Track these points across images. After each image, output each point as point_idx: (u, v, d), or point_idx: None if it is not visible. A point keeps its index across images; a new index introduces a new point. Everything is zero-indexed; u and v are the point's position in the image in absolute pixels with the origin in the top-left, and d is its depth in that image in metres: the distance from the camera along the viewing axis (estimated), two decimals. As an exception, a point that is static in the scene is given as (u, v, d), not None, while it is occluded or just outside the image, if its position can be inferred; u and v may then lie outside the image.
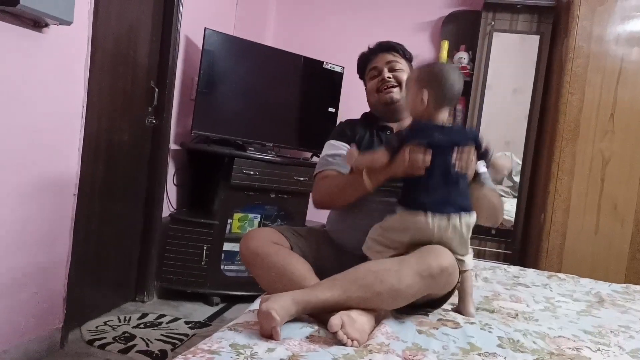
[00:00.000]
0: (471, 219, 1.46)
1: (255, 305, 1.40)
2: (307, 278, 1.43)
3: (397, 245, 1.45)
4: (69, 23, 1.88)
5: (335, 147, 1.78)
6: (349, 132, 1.78)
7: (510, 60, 3.30)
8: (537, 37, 3.22)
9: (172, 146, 3.01)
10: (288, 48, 3.45)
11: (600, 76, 2.84)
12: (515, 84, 3.30)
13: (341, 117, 3.53)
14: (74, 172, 2.20)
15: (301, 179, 3.18)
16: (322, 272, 1.54)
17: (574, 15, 2.85)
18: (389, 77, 1.76)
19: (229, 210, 3.06)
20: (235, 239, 3.04)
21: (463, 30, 3.49)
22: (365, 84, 1.88)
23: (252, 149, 3.05)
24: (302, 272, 1.44)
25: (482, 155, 1.51)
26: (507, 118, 3.31)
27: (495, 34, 3.26)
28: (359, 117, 1.92)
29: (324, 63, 3.46)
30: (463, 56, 3.37)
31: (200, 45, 2.98)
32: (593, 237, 2.89)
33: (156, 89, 2.82)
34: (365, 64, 1.84)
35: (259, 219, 3.26)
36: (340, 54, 3.66)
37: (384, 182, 1.52)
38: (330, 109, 3.50)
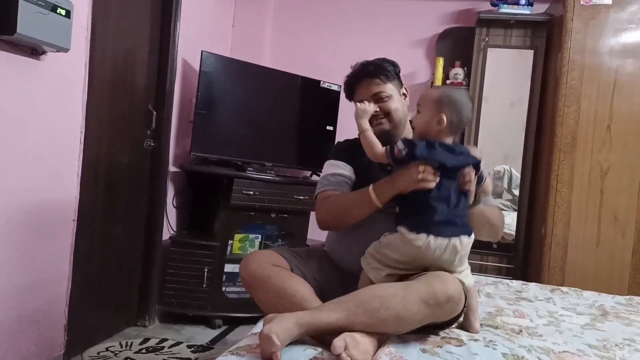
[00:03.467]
0: (471, 240, 1.46)
1: (259, 327, 1.39)
2: (309, 300, 1.42)
3: (394, 264, 1.45)
4: (66, 50, 1.90)
5: (335, 166, 1.76)
6: (348, 151, 1.78)
7: (506, 75, 3.32)
8: (531, 52, 3.24)
9: (171, 168, 3.02)
10: (285, 68, 3.47)
11: (595, 88, 2.86)
12: (511, 98, 3.32)
13: (339, 135, 3.55)
14: (73, 197, 2.20)
15: (301, 197, 3.18)
16: (324, 293, 1.53)
17: (567, 29, 2.88)
18: (377, 111, 1.71)
19: (229, 231, 3.06)
20: (237, 260, 3.03)
21: (458, 47, 3.52)
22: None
23: (251, 169, 3.06)
24: (303, 293, 1.44)
25: (479, 178, 1.54)
26: (504, 132, 3.32)
27: (489, 49, 3.29)
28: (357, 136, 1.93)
29: (321, 82, 3.49)
30: (459, 72, 3.40)
31: (197, 68, 3.00)
32: (595, 249, 2.87)
33: (154, 112, 2.84)
34: (352, 89, 1.80)
35: (260, 239, 3.25)
36: (336, 73, 3.63)
37: (391, 197, 1.51)
38: (328, 128, 3.52)
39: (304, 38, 3.87)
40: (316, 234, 3.50)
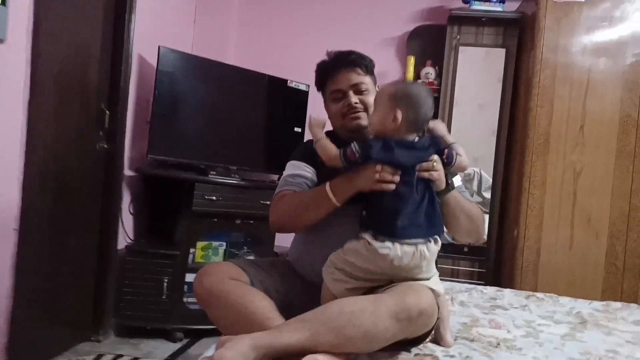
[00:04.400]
0: (439, 244, 1.38)
1: (212, 350, 1.26)
2: (270, 318, 1.29)
3: (358, 275, 1.35)
4: (1, 41, 1.73)
5: (296, 168, 1.66)
6: (311, 151, 1.67)
7: (477, 74, 3.26)
8: (503, 50, 3.19)
9: (127, 172, 2.85)
10: (251, 66, 3.34)
11: (568, 88, 2.82)
12: (482, 99, 3.26)
13: (308, 138, 3.42)
14: (14, 204, 2.02)
15: (268, 202, 3.03)
16: (290, 309, 1.41)
17: (540, 27, 2.83)
18: (356, 103, 1.62)
19: (191, 239, 2.90)
20: (199, 270, 2.88)
21: (429, 45, 3.45)
22: (325, 101, 1.75)
23: (214, 172, 2.91)
24: (264, 310, 1.31)
25: (448, 159, 1.46)
26: (475, 133, 3.26)
27: (461, 48, 3.22)
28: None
29: (288, 81, 3.36)
30: (430, 71, 3.32)
31: (155, 65, 2.84)
32: (568, 252, 2.83)
33: (107, 112, 2.66)
34: (326, 79, 1.69)
35: (224, 247, 3.10)
36: (304, 72, 3.54)
37: (350, 196, 1.42)
38: (296, 129, 3.40)
39: (271, 35, 3.75)
40: (284, 241, 3.37)
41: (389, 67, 3.58)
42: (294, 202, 1.54)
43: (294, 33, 3.70)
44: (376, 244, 1.32)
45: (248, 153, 3.27)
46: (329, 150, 1.45)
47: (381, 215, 1.35)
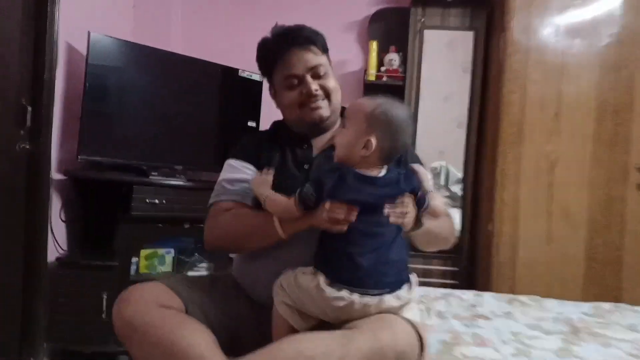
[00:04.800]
0: (412, 289, 1.16)
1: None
2: (207, 357, 1.02)
3: (312, 311, 1.13)
4: None
5: (235, 170, 1.40)
6: (253, 148, 1.41)
7: (444, 60, 3.04)
8: (471, 33, 2.98)
9: (56, 175, 2.51)
10: (197, 55, 3.04)
11: (541, 71, 2.64)
12: (449, 87, 3.04)
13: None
14: None
15: (219, 204, 2.76)
16: (235, 338, 1.15)
17: (510, 7, 2.63)
18: (317, 90, 1.36)
19: (132, 247, 2.59)
20: (145, 281, 2.58)
21: (392, 29, 3.22)
22: (272, 88, 1.48)
23: (156, 173, 2.59)
24: (201, 349, 1.04)
25: (420, 203, 1.22)
26: (442, 124, 3.03)
27: (426, 31, 3.00)
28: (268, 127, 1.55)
29: (240, 71, 3.07)
30: (394, 58, 3.10)
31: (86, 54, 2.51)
32: (546, 246, 2.66)
33: (29, 108, 2.32)
34: (274, 61, 1.40)
35: (172, 254, 2.81)
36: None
37: (301, 230, 1.18)
38: (250, 123, 3.11)
39: (220, 21, 3.44)
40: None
41: (350, 54, 3.34)
42: (234, 226, 1.29)
43: (245, 17, 3.41)
44: (329, 292, 1.09)
45: (196, 151, 2.97)
46: (280, 203, 1.19)
47: (337, 258, 1.12)
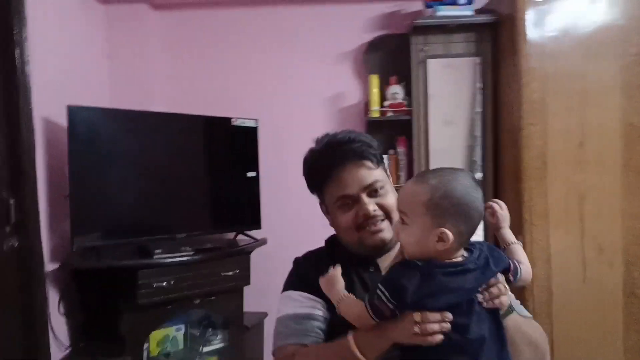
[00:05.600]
0: None
1: None
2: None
3: None
4: None
5: (297, 304, 1.24)
6: (313, 275, 1.21)
7: (450, 90, 2.88)
8: (477, 60, 2.83)
9: (50, 266, 2.32)
10: (185, 109, 2.85)
11: (562, 99, 2.50)
12: (458, 118, 2.88)
13: (265, 182, 2.98)
14: None
15: (230, 273, 2.59)
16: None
17: (520, 30, 2.49)
18: (375, 211, 1.22)
19: (141, 334, 2.41)
20: (157, 366, 2.42)
21: (389, 58, 3.06)
22: (323, 204, 1.32)
23: (160, 250, 2.41)
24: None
25: (512, 277, 1.08)
26: (453, 157, 2.88)
27: (429, 60, 2.84)
28: (321, 246, 1.39)
29: (232, 119, 2.89)
30: (397, 91, 2.93)
31: (65, 126, 2.31)
32: (582, 285, 2.53)
33: (11, 200, 2.12)
34: (323, 179, 1.27)
35: (183, 331, 2.64)
36: (250, 105, 3.12)
37: (383, 353, 1.04)
38: (249, 174, 2.93)
39: (204, 68, 3.22)
40: (254, 306, 2.95)
41: (347, 86, 3.16)
42: None
43: (232, 60, 3.20)
44: None
45: (196, 214, 2.79)
46: (354, 309, 1.04)
47: None
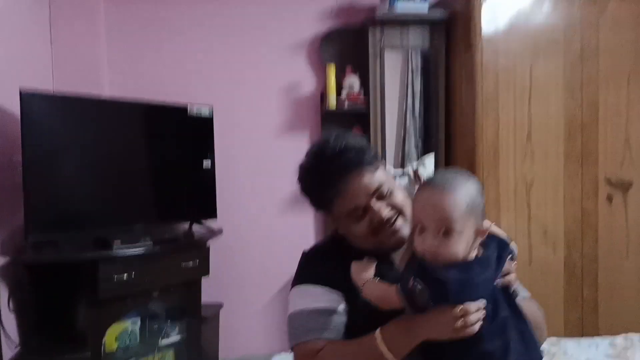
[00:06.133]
0: None
1: None
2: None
3: None
4: None
5: (314, 297, 1.22)
6: (326, 269, 1.24)
7: (403, 81, 3.00)
8: (430, 53, 2.97)
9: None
10: (134, 95, 2.78)
11: (511, 93, 2.69)
12: (410, 109, 3.02)
13: (221, 172, 2.97)
14: None
15: (190, 264, 2.57)
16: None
17: (475, 27, 2.64)
18: (389, 213, 1.21)
19: (101, 328, 2.35)
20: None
21: (346, 49, 3.13)
22: (333, 217, 1.29)
23: (119, 241, 2.35)
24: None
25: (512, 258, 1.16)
26: (407, 149, 3.02)
27: (387, 52, 2.94)
28: (325, 243, 1.40)
29: (189, 107, 2.84)
30: (354, 81, 3.01)
31: (15, 112, 2.19)
32: (528, 268, 2.74)
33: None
34: (328, 198, 1.23)
35: (138, 323, 2.58)
36: (205, 93, 3.09)
37: (411, 349, 1.07)
38: (205, 164, 2.91)
39: (156, 51, 3.15)
40: (210, 296, 2.94)
41: (303, 76, 3.21)
42: None
43: (183, 48, 3.15)
44: None
45: (152, 204, 2.73)
46: (380, 287, 1.08)
47: None
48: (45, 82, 2.68)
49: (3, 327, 2.20)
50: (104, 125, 2.52)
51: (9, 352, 2.24)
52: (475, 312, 1.01)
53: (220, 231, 2.91)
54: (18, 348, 2.29)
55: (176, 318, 2.69)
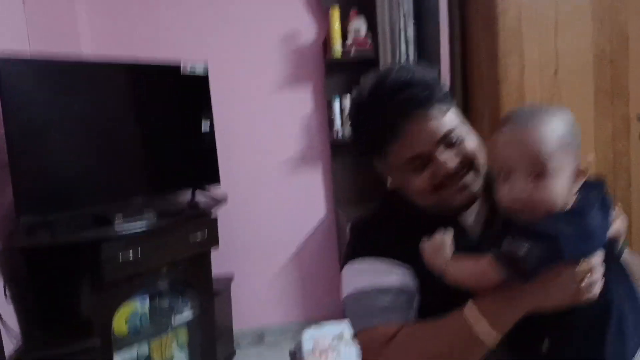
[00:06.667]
0: None
1: None
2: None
3: None
4: None
5: (377, 274, 1.02)
6: (388, 240, 1.05)
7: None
8: (444, -11, 2.74)
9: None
10: (118, 53, 2.54)
11: (536, 28, 2.48)
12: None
13: (221, 134, 2.77)
14: None
15: (198, 236, 2.40)
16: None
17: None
18: (457, 166, 1.00)
19: (108, 312, 2.19)
20: (127, 344, 2.23)
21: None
22: (387, 166, 1.07)
23: (120, 216, 2.16)
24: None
25: None
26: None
27: (393, -9, 2.71)
28: (373, 208, 1.17)
29: (182, 66, 2.60)
30: (360, 25, 2.79)
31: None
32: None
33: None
34: (382, 141, 1.02)
35: (147, 303, 2.43)
36: (198, 50, 2.85)
37: (512, 324, 0.88)
38: (204, 127, 2.70)
39: (139, 5, 2.88)
40: (221, 267, 2.80)
41: (303, 24, 2.97)
42: (423, 355, 0.93)
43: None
44: None
45: (152, 173, 2.53)
46: (472, 268, 0.88)
47: (592, 345, 0.87)
48: (20, 42, 2.42)
49: (2, 319, 2.03)
50: (92, 90, 2.29)
51: (10, 345, 2.08)
52: (595, 270, 0.85)
53: (225, 198, 2.73)
54: (20, 341, 2.13)
55: (187, 294, 2.53)
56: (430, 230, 0.98)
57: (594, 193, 0.89)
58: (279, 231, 3.06)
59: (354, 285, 1.04)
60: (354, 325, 1.04)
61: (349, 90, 2.85)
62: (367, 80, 1.04)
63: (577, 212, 0.84)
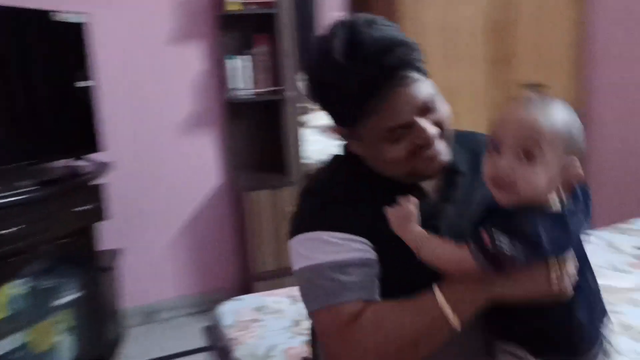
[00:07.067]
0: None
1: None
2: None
3: None
4: None
5: (336, 247, 0.94)
6: (343, 209, 0.97)
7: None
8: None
9: None
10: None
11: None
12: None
13: (106, 95, 2.51)
14: None
15: (82, 208, 2.17)
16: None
17: None
18: (434, 133, 0.94)
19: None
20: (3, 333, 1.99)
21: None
22: (360, 135, 0.98)
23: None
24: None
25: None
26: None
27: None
28: (333, 176, 1.07)
29: (51, 13, 2.28)
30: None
31: None
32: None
33: None
34: (362, 111, 0.92)
35: (29, 284, 2.17)
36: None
37: (477, 310, 0.88)
38: (79, 83, 2.40)
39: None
40: (111, 240, 2.58)
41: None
42: (389, 339, 0.88)
43: None
44: None
45: (23, 139, 2.22)
46: (451, 254, 0.86)
47: (559, 332, 0.89)
48: None
49: None
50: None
51: None
52: (572, 266, 0.86)
53: (112, 165, 2.49)
54: None
55: (72, 273, 2.30)
56: (390, 197, 0.94)
57: (579, 200, 0.90)
58: (171, 200, 2.88)
59: (309, 259, 0.95)
60: (309, 303, 0.96)
61: (241, 47, 2.73)
62: (334, 35, 0.92)
63: (561, 219, 0.84)
